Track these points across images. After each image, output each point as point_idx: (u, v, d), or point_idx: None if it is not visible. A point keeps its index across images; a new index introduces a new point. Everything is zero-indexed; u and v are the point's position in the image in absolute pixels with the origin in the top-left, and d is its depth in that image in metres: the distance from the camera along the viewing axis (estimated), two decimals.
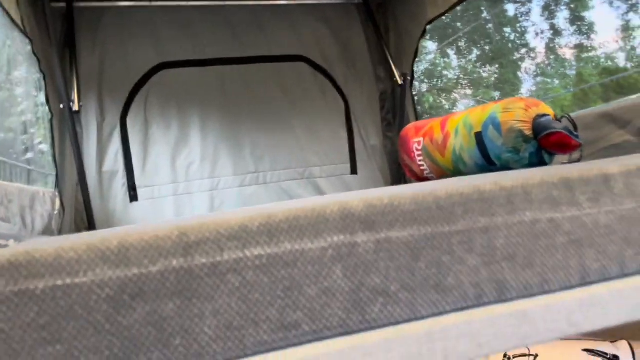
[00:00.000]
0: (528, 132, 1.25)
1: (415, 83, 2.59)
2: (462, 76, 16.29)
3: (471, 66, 16.07)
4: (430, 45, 15.50)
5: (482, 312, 0.53)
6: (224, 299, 0.46)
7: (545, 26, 15.24)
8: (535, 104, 1.29)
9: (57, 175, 1.95)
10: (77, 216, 2.08)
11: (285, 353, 0.47)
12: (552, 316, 0.54)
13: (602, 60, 14.50)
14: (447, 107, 15.62)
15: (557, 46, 15.33)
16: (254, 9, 2.44)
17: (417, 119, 2.43)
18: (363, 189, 1.80)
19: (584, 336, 1.40)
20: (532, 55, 15.66)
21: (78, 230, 2.05)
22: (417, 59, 2.42)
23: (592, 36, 14.60)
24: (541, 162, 1.29)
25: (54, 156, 1.98)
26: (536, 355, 1.40)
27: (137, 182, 2.18)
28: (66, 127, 2.02)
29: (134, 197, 2.17)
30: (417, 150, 1.64)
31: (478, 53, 16.05)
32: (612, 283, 0.58)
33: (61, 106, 1.98)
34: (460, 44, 15.89)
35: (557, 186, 0.58)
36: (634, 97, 1.48)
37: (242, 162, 2.32)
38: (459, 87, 16.22)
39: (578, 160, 1.26)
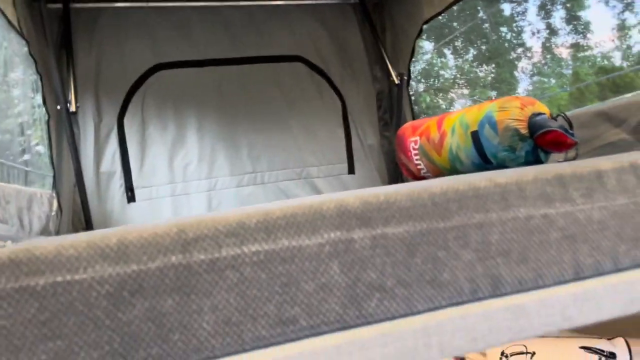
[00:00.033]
0: (524, 131, 1.26)
1: (412, 83, 2.60)
2: (458, 76, 16.33)
3: (468, 66, 16.11)
4: (426, 45, 15.55)
5: (477, 306, 0.54)
6: (222, 294, 0.47)
7: (542, 25, 15.30)
8: (530, 103, 1.30)
9: (54, 177, 1.95)
10: (75, 217, 2.08)
11: (283, 348, 0.48)
12: (547, 310, 0.55)
13: (599, 59, 14.56)
14: (444, 106, 15.66)
15: (553, 45, 15.38)
16: (250, 9, 2.44)
17: (414, 118, 2.44)
18: (360, 188, 1.81)
19: (581, 334, 1.40)
20: (529, 54, 15.71)
21: (75, 231, 2.05)
22: (413, 59, 2.43)
23: (588, 35, 14.67)
24: (537, 161, 1.30)
25: (51, 157, 1.98)
26: (533, 353, 1.40)
27: (135, 183, 2.18)
28: (63, 128, 2.02)
29: (131, 197, 2.17)
30: (414, 149, 1.65)
31: (474, 53, 16.09)
32: (605, 278, 0.59)
33: (58, 107, 1.98)
34: (456, 43, 15.93)
35: (550, 182, 0.59)
36: (629, 95, 1.48)
37: (240, 163, 2.33)
38: (456, 87, 16.26)
39: (574, 159, 1.26)
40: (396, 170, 2.49)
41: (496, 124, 1.29)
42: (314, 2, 2.54)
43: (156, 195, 2.20)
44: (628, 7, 13.72)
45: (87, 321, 0.43)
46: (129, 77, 2.22)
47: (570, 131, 1.23)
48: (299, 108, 2.43)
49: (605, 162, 0.63)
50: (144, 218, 2.15)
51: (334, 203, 0.52)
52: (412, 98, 2.54)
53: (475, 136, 1.36)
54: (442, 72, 16.30)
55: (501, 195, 0.57)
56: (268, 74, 2.41)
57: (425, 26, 2.31)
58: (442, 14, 2.22)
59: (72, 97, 2.08)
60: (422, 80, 15.88)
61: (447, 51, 16.15)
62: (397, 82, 2.44)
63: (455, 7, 2.13)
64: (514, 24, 15.72)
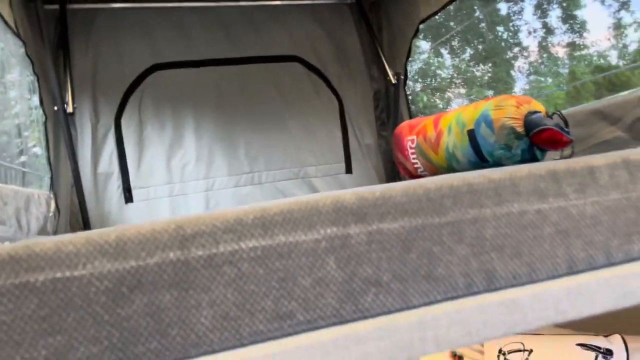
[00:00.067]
0: (520, 129, 1.27)
1: (409, 82, 2.61)
2: (455, 75, 16.35)
3: (464, 65, 16.14)
4: (423, 45, 15.57)
5: (472, 301, 0.54)
6: (220, 290, 0.47)
7: (538, 25, 15.34)
8: (526, 101, 1.31)
9: (51, 177, 1.95)
10: (73, 218, 2.08)
11: (280, 342, 0.49)
12: (540, 304, 0.55)
13: (595, 58, 14.60)
14: (441, 106, 15.69)
15: (549, 44, 15.42)
16: (247, 9, 2.44)
17: (411, 117, 2.45)
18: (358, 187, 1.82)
19: (577, 331, 1.41)
20: (525, 53, 15.74)
21: (73, 231, 2.04)
22: (410, 58, 2.44)
23: (585, 34, 14.71)
24: (533, 159, 1.31)
25: (48, 158, 1.98)
26: (531, 351, 1.41)
27: (132, 184, 2.18)
28: (60, 129, 2.02)
29: (129, 198, 2.17)
30: (411, 148, 1.66)
31: (471, 52, 16.12)
32: (598, 272, 0.59)
33: (55, 108, 1.98)
34: (453, 43, 15.95)
35: (544, 178, 0.60)
36: (624, 93, 1.49)
37: (237, 163, 2.33)
38: (453, 86, 16.28)
39: (569, 157, 1.27)
40: (393, 170, 2.49)
41: (492, 123, 1.30)
42: (311, 2, 2.54)
43: (154, 196, 2.20)
44: (624, 6, 13.77)
45: (86, 316, 0.44)
46: (126, 78, 2.22)
47: (566, 129, 1.24)
48: (297, 108, 2.44)
49: (597, 158, 0.64)
50: (142, 218, 2.15)
51: (330, 199, 0.53)
52: (409, 97, 2.55)
53: (472, 135, 1.37)
54: (439, 71, 16.32)
55: (495, 190, 0.58)
56: (265, 74, 2.42)
57: (421, 25, 2.31)
58: (439, 14, 2.22)
59: (69, 98, 2.08)
60: (419, 80, 15.90)
61: (443, 51, 16.17)
62: (394, 81, 2.45)
63: (451, 7, 2.14)
64: (511, 24, 15.76)
